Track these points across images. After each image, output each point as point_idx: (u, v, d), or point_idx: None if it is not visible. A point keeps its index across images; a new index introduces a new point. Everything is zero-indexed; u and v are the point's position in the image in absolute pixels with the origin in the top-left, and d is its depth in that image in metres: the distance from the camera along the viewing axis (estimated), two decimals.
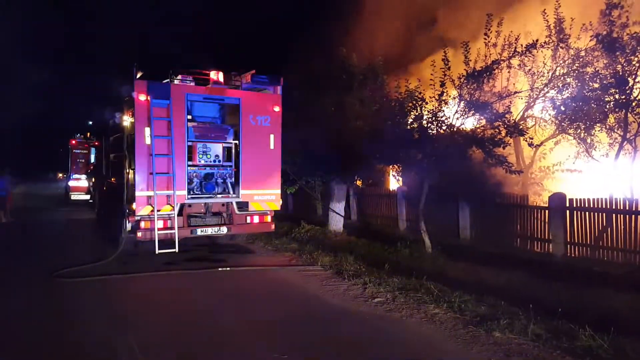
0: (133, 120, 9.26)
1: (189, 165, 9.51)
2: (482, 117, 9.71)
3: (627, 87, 9.52)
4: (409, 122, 10.34)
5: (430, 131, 9.94)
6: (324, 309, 6.66)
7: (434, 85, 9.98)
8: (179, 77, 9.45)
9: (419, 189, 10.53)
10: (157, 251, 8.94)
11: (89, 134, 25.43)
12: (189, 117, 9.71)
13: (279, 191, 10.26)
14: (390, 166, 12.21)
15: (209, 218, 9.89)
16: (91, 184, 22.68)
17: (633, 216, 8.67)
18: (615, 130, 10.14)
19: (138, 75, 8.95)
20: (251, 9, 24.13)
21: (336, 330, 5.79)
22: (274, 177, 10.17)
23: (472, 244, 11.36)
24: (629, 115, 9.75)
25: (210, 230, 9.79)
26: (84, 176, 24.31)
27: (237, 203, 9.97)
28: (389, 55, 14.59)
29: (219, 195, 9.90)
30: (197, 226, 9.70)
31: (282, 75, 10.13)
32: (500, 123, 9.60)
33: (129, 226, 9.37)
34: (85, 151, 24.78)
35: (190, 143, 9.59)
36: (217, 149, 10.06)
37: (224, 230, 9.93)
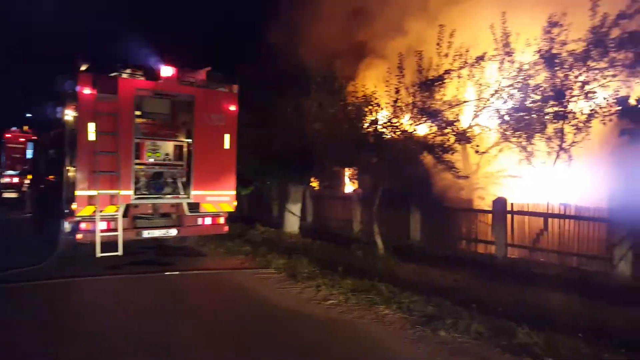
0: (76, 115, 8.81)
1: (136, 164, 9.17)
2: (433, 124, 10.08)
3: (564, 100, 10.14)
4: (365, 127, 10.56)
5: (385, 136, 10.21)
6: (276, 312, 6.67)
7: (389, 91, 10.26)
8: (128, 70, 9.07)
9: (373, 192, 10.77)
10: (98, 254, 8.47)
11: (26, 127, 23.77)
12: (138, 113, 9.38)
13: (233, 192, 10.10)
14: (346, 169, 12.39)
15: (157, 219, 9.53)
16: (27, 181, 21.34)
17: (567, 220, 9.29)
18: (553, 140, 10.77)
19: (83, 68, 8.56)
20: (210, 7, 23.73)
21: (287, 334, 5.82)
22: (229, 178, 10.03)
23: (422, 245, 11.74)
24: (566, 126, 10.39)
25: (158, 233, 9.45)
26: (18, 172, 22.83)
27: (188, 204, 9.69)
28: (346, 59, 14.81)
29: (168, 196, 9.62)
30: (144, 228, 9.32)
31: (240, 75, 10.03)
32: (450, 130, 10.01)
33: (68, 227, 8.89)
34: (21, 146, 23.18)
35: (138, 140, 9.27)
36: (167, 147, 9.80)
37: (173, 232, 9.63)
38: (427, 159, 10.36)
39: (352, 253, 10.46)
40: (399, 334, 5.75)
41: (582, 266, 8.89)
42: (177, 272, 8.81)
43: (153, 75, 9.36)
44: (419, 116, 10.06)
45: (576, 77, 10.02)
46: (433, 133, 10.23)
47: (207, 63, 9.94)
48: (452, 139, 10.06)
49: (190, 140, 9.73)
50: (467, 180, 12.51)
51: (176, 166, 9.86)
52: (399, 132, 10.21)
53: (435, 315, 6.16)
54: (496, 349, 5.19)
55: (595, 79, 9.94)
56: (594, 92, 9.93)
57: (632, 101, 9.37)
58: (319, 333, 5.86)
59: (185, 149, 9.94)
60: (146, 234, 9.33)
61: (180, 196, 9.71)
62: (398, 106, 10.19)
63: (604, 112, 9.77)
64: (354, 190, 14.36)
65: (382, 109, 10.42)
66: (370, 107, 10.46)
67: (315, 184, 15.35)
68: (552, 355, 4.91)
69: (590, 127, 10.12)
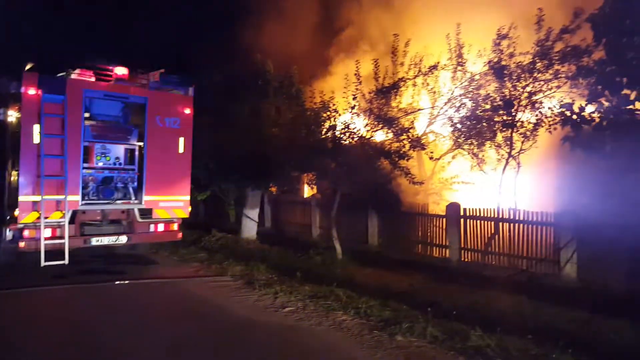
0: (19, 116, 8.39)
1: (84, 168, 8.79)
2: (389, 131, 10.26)
3: (513, 110, 10.58)
4: (323, 132, 10.61)
5: (343, 141, 10.29)
6: (232, 321, 6.52)
7: (346, 97, 10.37)
8: (77, 71, 8.73)
9: (332, 197, 10.83)
10: (43, 263, 8.03)
11: None
12: (87, 115, 9.01)
13: (187, 197, 9.84)
14: (305, 174, 12.39)
15: (106, 226, 9.16)
16: None
17: (516, 225, 9.65)
18: (503, 148, 11.19)
19: (27, 67, 8.15)
20: (166, 8, 23.20)
21: (243, 344, 5.71)
22: (183, 183, 9.77)
23: (379, 250, 11.88)
24: (514, 134, 10.83)
25: (107, 240, 9.08)
26: None
27: (140, 210, 9.36)
28: (306, 65, 14.86)
29: (118, 201, 9.24)
30: (92, 235, 8.94)
31: (196, 77, 9.83)
32: (405, 137, 10.22)
33: (9, 235, 8.42)
34: None
35: (87, 143, 8.89)
36: (118, 150, 9.44)
37: (123, 239, 9.26)
38: (384, 164, 10.52)
39: (310, 258, 10.44)
40: (357, 340, 5.76)
41: (531, 268, 9.25)
42: (127, 282, 8.49)
43: (104, 76, 9.03)
44: (376, 123, 10.21)
45: (523, 87, 10.47)
46: (389, 139, 10.41)
47: (162, 65, 9.70)
48: (408, 145, 10.26)
49: (142, 143, 9.42)
50: (423, 186, 12.82)
51: (127, 170, 9.51)
52: (357, 138, 10.31)
53: (392, 319, 6.21)
54: (451, 352, 5.29)
55: (540, 90, 10.43)
56: (541, 102, 10.41)
57: (567, 110, 9.82)
58: (274, 342, 5.78)
59: (137, 153, 9.61)
60: (94, 241, 8.95)
61: (131, 202, 9.38)
62: (355, 112, 10.30)
63: (549, 121, 10.25)
64: (313, 195, 14.37)
65: (340, 114, 10.50)
66: (328, 113, 10.51)
67: (274, 188, 15.27)
68: (504, 356, 5.06)
69: (537, 135, 10.60)
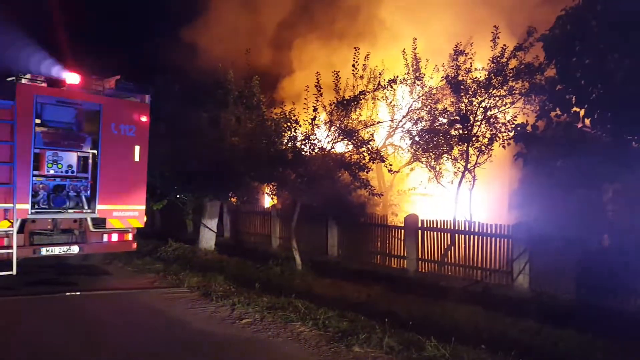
0: None
1: (35, 176, 8.44)
2: (349, 143, 10.37)
3: (468, 124, 10.91)
4: (283, 143, 10.59)
5: (303, 152, 10.31)
6: (188, 334, 6.36)
7: (307, 109, 10.42)
8: (28, 76, 8.43)
9: (292, 208, 10.80)
10: None
11: None
12: (39, 121, 8.68)
13: (143, 207, 9.60)
14: (265, 185, 12.32)
15: (57, 236, 8.83)
16: None
17: (471, 236, 9.90)
18: (459, 161, 11.52)
19: None
20: (123, 14, 22.69)
21: (199, 357, 5.57)
22: (138, 192, 9.52)
23: (339, 260, 11.91)
24: (470, 148, 11.17)
25: (58, 250, 8.76)
26: None
27: (93, 219, 9.07)
28: (267, 75, 14.85)
29: (70, 210, 8.91)
30: (42, 245, 8.61)
31: (153, 84, 9.65)
32: (365, 149, 10.35)
33: None
34: None
35: (38, 150, 8.56)
36: (70, 158, 9.11)
37: (75, 249, 8.96)
38: (344, 176, 10.61)
39: (269, 269, 10.35)
40: (314, 351, 5.73)
41: (486, 279, 9.50)
42: (78, 293, 8.22)
43: (56, 82, 8.82)
44: (337, 134, 10.30)
45: (479, 103, 10.83)
46: (349, 151, 10.51)
47: (118, 71, 9.47)
48: (367, 157, 10.40)
49: (96, 151, 9.13)
50: (382, 198, 13.01)
51: (80, 179, 9.19)
52: (317, 150, 10.36)
53: (349, 330, 6.22)
54: None
55: (495, 106, 10.82)
56: (496, 118, 10.79)
57: (520, 127, 10.22)
58: (231, 355, 5.68)
59: (90, 161, 9.30)
60: (45, 251, 8.62)
61: (84, 211, 9.06)
62: (316, 124, 10.36)
63: (503, 136, 10.63)
64: (273, 206, 14.30)
65: (300, 125, 10.53)
66: (288, 124, 10.52)
67: (233, 199, 15.08)
68: None
69: (492, 149, 10.96)
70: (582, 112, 7.27)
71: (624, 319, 7.11)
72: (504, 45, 10.60)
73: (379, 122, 12.78)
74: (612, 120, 6.51)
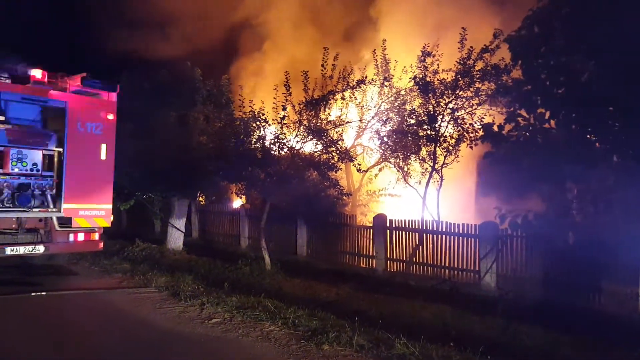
0: None
1: None
2: (318, 142, 10.42)
3: (436, 125, 11.12)
4: (252, 142, 10.56)
5: (272, 152, 10.30)
6: (155, 334, 6.29)
7: (276, 108, 10.42)
8: None
9: (262, 208, 10.78)
10: None
11: None
12: (2, 118, 8.46)
13: (110, 206, 9.42)
14: (234, 184, 12.26)
15: (21, 235, 8.63)
16: None
17: (439, 236, 10.10)
18: (427, 161, 11.73)
19: None
20: (89, 12, 22.11)
21: (167, 357, 5.53)
22: (105, 191, 9.34)
23: (308, 260, 11.96)
24: (438, 148, 11.38)
25: (22, 249, 8.55)
26: None
27: (59, 218, 8.86)
28: (234, 73, 14.75)
29: (35, 209, 8.70)
30: (6, 244, 8.40)
31: (120, 82, 9.47)
32: (334, 149, 10.42)
33: None
34: None
35: (1, 148, 8.37)
36: (35, 156, 8.87)
37: (40, 249, 8.75)
38: (314, 175, 10.66)
39: (239, 269, 10.31)
40: (284, 350, 5.75)
41: (454, 278, 9.68)
42: (44, 293, 8.03)
43: (21, 78, 8.58)
44: (306, 134, 10.34)
45: (446, 104, 11.05)
46: (319, 151, 10.57)
47: (84, 68, 9.27)
48: (337, 157, 10.48)
49: (62, 149, 8.91)
50: (351, 198, 13.12)
51: (45, 177, 8.96)
52: (287, 149, 10.37)
53: (319, 329, 6.27)
54: None
55: (462, 107, 11.06)
56: (463, 119, 11.02)
57: (487, 127, 10.47)
58: (199, 354, 5.64)
59: (56, 159, 9.07)
60: (9, 250, 8.42)
61: (49, 210, 8.84)
62: (285, 123, 10.37)
63: (470, 137, 10.87)
64: (242, 206, 14.23)
65: (269, 125, 10.52)
66: (257, 123, 10.49)
67: (201, 198, 14.93)
68: None
69: (459, 150, 11.20)
70: (547, 114, 7.42)
71: (588, 315, 7.35)
72: (471, 47, 10.84)
73: (347, 122, 12.89)
74: (576, 120, 6.70)
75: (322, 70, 11.66)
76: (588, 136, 6.99)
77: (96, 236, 9.37)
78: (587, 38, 6.29)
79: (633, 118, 5.75)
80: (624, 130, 6.13)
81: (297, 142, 10.42)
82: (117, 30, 19.36)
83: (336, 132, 11.54)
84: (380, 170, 14.44)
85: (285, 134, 10.39)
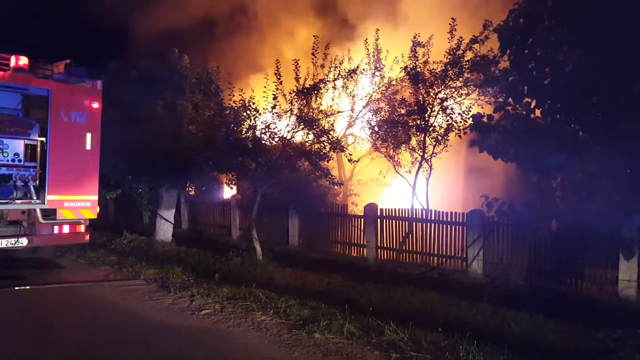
0: None
1: None
2: (310, 132, 10.35)
3: (426, 115, 11.13)
4: (243, 131, 10.44)
5: (263, 142, 10.20)
6: (145, 326, 6.22)
7: (267, 97, 10.31)
8: None
9: (252, 198, 10.71)
10: None
11: None
12: None
13: (95, 197, 9.23)
14: (225, 174, 12.15)
15: (3, 228, 8.44)
16: None
17: (428, 224, 10.14)
18: (417, 151, 11.75)
19: None
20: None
21: (156, 349, 5.45)
22: (90, 181, 9.14)
23: (300, 250, 11.94)
24: (427, 138, 11.40)
25: (5, 243, 8.34)
26: None
27: (42, 210, 8.65)
28: (227, 62, 14.57)
29: (17, 201, 8.48)
30: None
31: (106, 69, 9.27)
32: (326, 138, 10.36)
33: None
34: None
35: None
36: (17, 146, 8.64)
37: (23, 242, 8.55)
38: (305, 165, 10.59)
39: (229, 260, 10.25)
40: (275, 339, 5.73)
41: (442, 266, 9.77)
42: (28, 287, 7.86)
43: (1, 65, 8.27)
44: (297, 123, 10.25)
45: (436, 94, 11.05)
46: (310, 141, 10.50)
47: (68, 55, 9.03)
48: (328, 146, 10.41)
49: (45, 139, 8.70)
50: (342, 187, 13.11)
51: (28, 168, 8.74)
52: (278, 139, 10.28)
53: (310, 318, 6.25)
54: (367, 347, 5.43)
55: (452, 97, 11.07)
56: (452, 109, 11.04)
57: (476, 117, 10.49)
58: (190, 345, 5.58)
59: (39, 149, 8.85)
60: None
61: (32, 202, 8.63)
62: (276, 112, 10.27)
63: (459, 126, 10.91)
64: (233, 196, 14.13)
65: (260, 114, 10.41)
66: (248, 112, 10.37)
67: (191, 189, 14.80)
68: (416, 349, 5.28)
69: (448, 139, 11.23)
70: (533, 103, 7.51)
71: (571, 300, 7.56)
72: (460, 37, 10.83)
73: (339, 112, 12.83)
74: (561, 110, 6.77)
75: (312, 59, 11.55)
76: (572, 125, 7.07)
77: (82, 228, 9.19)
78: (571, 29, 6.32)
79: (612, 107, 5.81)
80: (604, 120, 6.21)
81: (289, 131, 10.33)
82: (103, 15, 19.00)
83: (327, 122, 11.49)
84: (371, 159, 14.46)
85: (276, 123, 10.29)
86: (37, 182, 8.79)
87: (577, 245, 8.12)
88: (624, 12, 5.25)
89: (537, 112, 7.76)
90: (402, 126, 11.67)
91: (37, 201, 8.66)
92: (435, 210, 10.23)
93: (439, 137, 11.23)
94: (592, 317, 6.43)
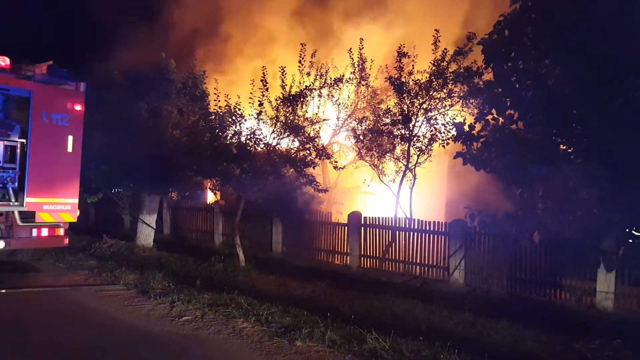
0: None
1: None
2: (296, 139, 10.36)
3: (411, 124, 11.22)
4: (228, 137, 10.40)
5: (248, 148, 10.16)
6: (123, 332, 6.13)
7: (252, 103, 10.29)
8: None
9: (236, 204, 10.64)
10: None
11: None
12: None
13: (76, 200, 9.08)
14: (208, 180, 12.06)
15: None
16: None
17: (411, 233, 10.20)
18: (401, 160, 11.83)
19: None
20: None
21: (135, 356, 5.37)
22: (71, 184, 8.99)
23: (283, 257, 11.89)
24: (411, 148, 11.49)
25: None
26: None
27: (21, 213, 8.46)
28: (210, 67, 14.52)
29: None
30: None
31: (89, 72, 9.16)
32: (311, 146, 10.37)
33: None
34: None
35: None
36: None
37: (0, 244, 8.38)
38: (290, 172, 10.58)
39: (212, 266, 10.17)
40: (256, 347, 5.68)
41: (424, 275, 9.82)
42: (4, 291, 7.71)
43: None
44: (282, 130, 10.25)
45: (420, 104, 11.16)
46: (295, 148, 10.50)
47: (51, 57, 8.92)
48: (314, 154, 10.42)
49: (25, 140, 8.55)
50: (327, 195, 13.11)
51: (7, 169, 8.56)
52: (263, 145, 10.26)
53: (292, 325, 6.23)
54: (348, 355, 5.42)
55: (436, 107, 11.19)
56: (436, 119, 11.16)
57: (459, 127, 10.63)
58: (169, 352, 5.51)
59: (19, 151, 8.68)
60: None
61: (10, 204, 8.45)
62: (262, 119, 10.26)
63: (443, 136, 11.03)
64: (216, 202, 14.03)
65: (246, 120, 10.39)
66: (233, 118, 10.34)
67: (174, 194, 14.66)
68: (397, 358, 5.30)
69: (432, 149, 11.34)
70: (516, 115, 7.64)
71: (550, 310, 7.68)
72: (445, 48, 10.98)
73: (324, 120, 12.87)
74: (543, 122, 6.88)
75: (299, 67, 11.57)
76: (553, 138, 7.20)
77: (61, 231, 9.00)
78: (551, 43, 6.46)
79: (593, 121, 5.94)
80: (584, 133, 6.34)
81: (274, 138, 10.32)
82: (89, 18, 18.81)
83: (313, 129, 11.52)
84: (355, 168, 14.51)
85: (261, 129, 10.27)
86: (17, 184, 8.61)
87: (557, 256, 8.27)
88: (602, 29, 5.38)
89: (520, 124, 7.91)
90: (386, 135, 11.75)
91: (16, 203, 8.47)
92: (418, 220, 10.30)
93: (423, 147, 11.33)
94: (570, 327, 6.53)
